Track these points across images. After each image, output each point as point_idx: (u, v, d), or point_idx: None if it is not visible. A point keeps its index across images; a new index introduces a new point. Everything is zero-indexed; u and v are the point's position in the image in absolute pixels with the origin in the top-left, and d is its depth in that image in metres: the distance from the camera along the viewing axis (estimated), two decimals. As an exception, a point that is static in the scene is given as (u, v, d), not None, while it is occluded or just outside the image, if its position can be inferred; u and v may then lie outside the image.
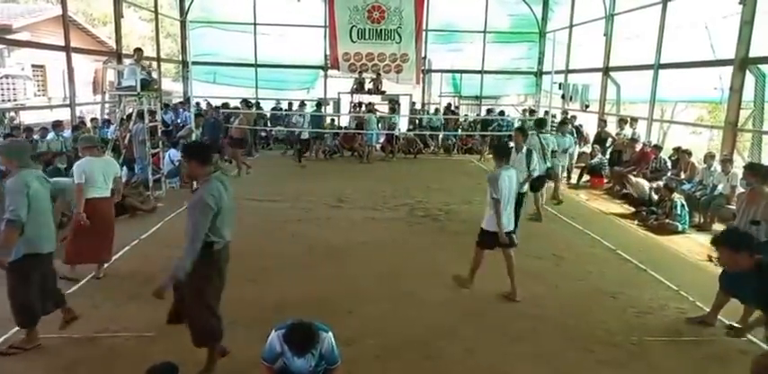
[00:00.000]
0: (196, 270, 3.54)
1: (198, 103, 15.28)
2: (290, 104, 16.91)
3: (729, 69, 9.44)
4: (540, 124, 10.00)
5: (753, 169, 4.88)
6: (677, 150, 10.65)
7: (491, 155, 8.15)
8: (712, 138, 17.28)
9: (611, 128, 13.27)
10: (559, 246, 7.31)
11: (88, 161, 5.54)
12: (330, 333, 3.28)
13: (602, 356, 4.38)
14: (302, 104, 16.85)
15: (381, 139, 16.08)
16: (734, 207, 7.93)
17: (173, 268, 3.54)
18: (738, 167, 8.44)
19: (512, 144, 8.70)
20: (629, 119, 12.66)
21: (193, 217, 3.54)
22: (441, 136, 16.82)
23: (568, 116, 14.25)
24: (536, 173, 7.26)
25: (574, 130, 13.17)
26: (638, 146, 11.34)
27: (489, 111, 17.60)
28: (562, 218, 8.88)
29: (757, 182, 4.72)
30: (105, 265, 5.85)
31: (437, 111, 17.97)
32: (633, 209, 9.51)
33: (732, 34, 9.29)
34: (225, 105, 16.16)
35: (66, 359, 4.11)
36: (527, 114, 16.29)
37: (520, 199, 6.95)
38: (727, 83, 9.61)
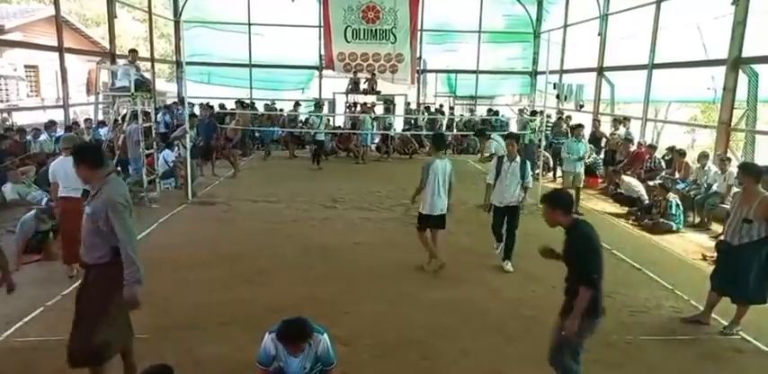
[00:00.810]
0: (104, 278, 3.31)
1: (192, 104, 15.22)
2: (296, 104, 16.60)
3: (722, 69, 9.49)
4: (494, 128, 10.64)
5: (746, 169, 4.91)
6: (671, 150, 10.71)
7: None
8: (695, 138, 17.41)
9: (606, 128, 13.31)
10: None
11: (59, 161, 5.61)
12: (326, 335, 3.27)
13: (598, 355, 4.38)
14: (297, 104, 16.83)
15: (376, 140, 16.07)
16: (729, 206, 7.99)
17: (128, 279, 3.29)
18: (733, 166, 8.50)
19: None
20: (622, 118, 12.71)
21: (114, 220, 3.26)
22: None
23: (563, 116, 14.28)
24: (530, 185, 6.45)
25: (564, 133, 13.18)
26: (633, 147, 11.38)
27: (490, 111, 17.59)
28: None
29: (750, 182, 4.76)
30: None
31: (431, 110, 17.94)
32: (627, 209, 9.56)
33: (725, 34, 9.35)
34: (208, 105, 15.78)
35: (61, 361, 4.06)
36: (525, 114, 16.27)
37: (515, 211, 6.35)
38: (720, 83, 9.67)
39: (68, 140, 5.93)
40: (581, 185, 9.63)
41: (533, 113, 14.82)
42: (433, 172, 5.92)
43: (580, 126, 10.04)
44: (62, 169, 5.47)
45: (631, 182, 9.71)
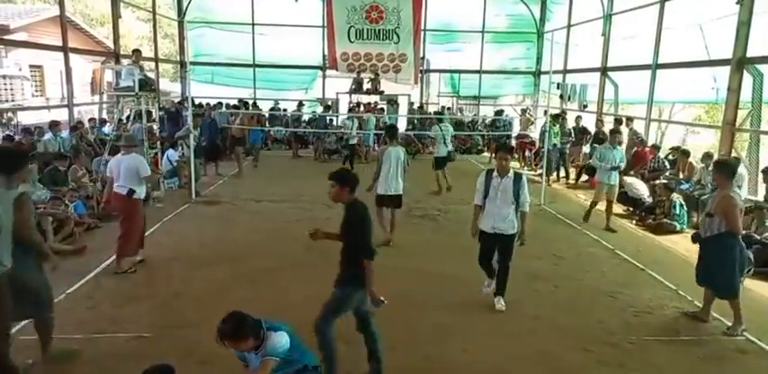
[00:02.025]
0: None
1: (201, 104, 15.26)
2: (328, 107, 16.38)
3: (724, 70, 9.46)
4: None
5: (718, 166, 5.17)
6: (676, 150, 10.68)
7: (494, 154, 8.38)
8: (686, 138, 17.33)
9: (608, 127, 13.24)
10: (559, 246, 7.31)
11: (117, 158, 6.04)
12: (282, 332, 3.17)
13: (601, 356, 4.38)
14: (300, 104, 16.86)
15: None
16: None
17: None
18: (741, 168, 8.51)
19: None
20: (623, 118, 12.63)
21: None
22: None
23: (565, 115, 14.19)
24: (527, 209, 5.18)
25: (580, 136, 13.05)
26: (642, 147, 11.20)
27: (500, 113, 17.47)
28: (561, 218, 8.89)
29: (721, 179, 4.94)
30: (137, 258, 6.09)
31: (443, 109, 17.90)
32: (630, 209, 9.54)
33: (729, 34, 9.31)
34: (208, 105, 15.80)
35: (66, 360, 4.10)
36: (528, 114, 16.21)
37: (509, 242, 5.15)
38: (722, 83, 9.64)
39: (129, 139, 6.31)
40: (614, 199, 8.57)
41: (557, 116, 13.24)
42: (387, 158, 6.92)
43: (616, 131, 8.87)
44: (116, 166, 5.87)
45: (634, 183, 9.68)
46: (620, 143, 8.62)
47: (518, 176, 5.11)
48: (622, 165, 8.46)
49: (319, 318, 3.76)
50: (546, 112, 12.59)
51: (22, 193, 3.72)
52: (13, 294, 3.60)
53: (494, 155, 6.37)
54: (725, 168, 4.97)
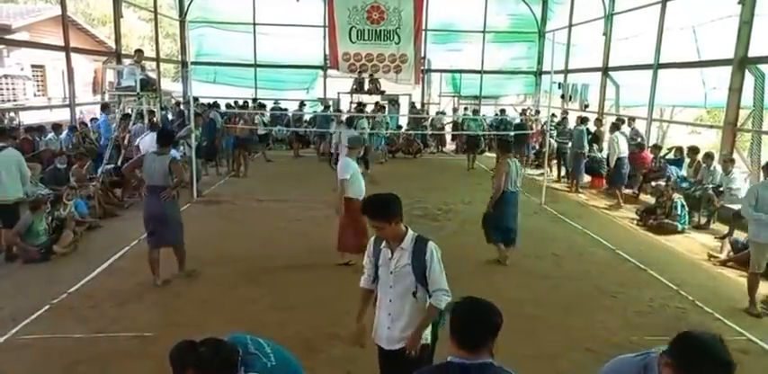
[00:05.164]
0: None
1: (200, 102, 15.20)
2: (327, 107, 16.40)
3: (714, 74, 9.46)
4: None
5: (498, 145, 6.82)
6: (677, 149, 10.66)
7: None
8: (666, 132, 17.26)
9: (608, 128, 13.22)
10: (560, 246, 7.31)
11: (350, 162, 6.26)
12: None
13: (602, 356, 4.35)
14: (302, 104, 16.86)
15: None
16: (733, 206, 7.96)
17: None
18: (738, 167, 8.53)
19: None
20: (627, 119, 12.59)
21: None
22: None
23: (567, 115, 14.12)
24: (442, 303, 2.96)
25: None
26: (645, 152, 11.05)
27: (503, 112, 17.42)
28: (562, 218, 8.88)
29: (501, 154, 6.64)
30: (344, 259, 6.34)
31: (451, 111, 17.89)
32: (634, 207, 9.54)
33: (728, 35, 9.30)
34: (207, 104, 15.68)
35: (67, 359, 4.11)
36: (529, 114, 16.17)
37: (407, 362, 3.11)
38: (711, 87, 9.65)
39: (351, 141, 6.53)
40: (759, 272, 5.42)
41: (613, 124, 10.74)
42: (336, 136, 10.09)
43: None
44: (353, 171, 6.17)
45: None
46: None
47: (420, 246, 2.95)
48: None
49: None
50: (538, 112, 12.57)
51: (173, 157, 5.59)
52: (161, 225, 5.42)
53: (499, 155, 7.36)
54: (501, 145, 7.01)
